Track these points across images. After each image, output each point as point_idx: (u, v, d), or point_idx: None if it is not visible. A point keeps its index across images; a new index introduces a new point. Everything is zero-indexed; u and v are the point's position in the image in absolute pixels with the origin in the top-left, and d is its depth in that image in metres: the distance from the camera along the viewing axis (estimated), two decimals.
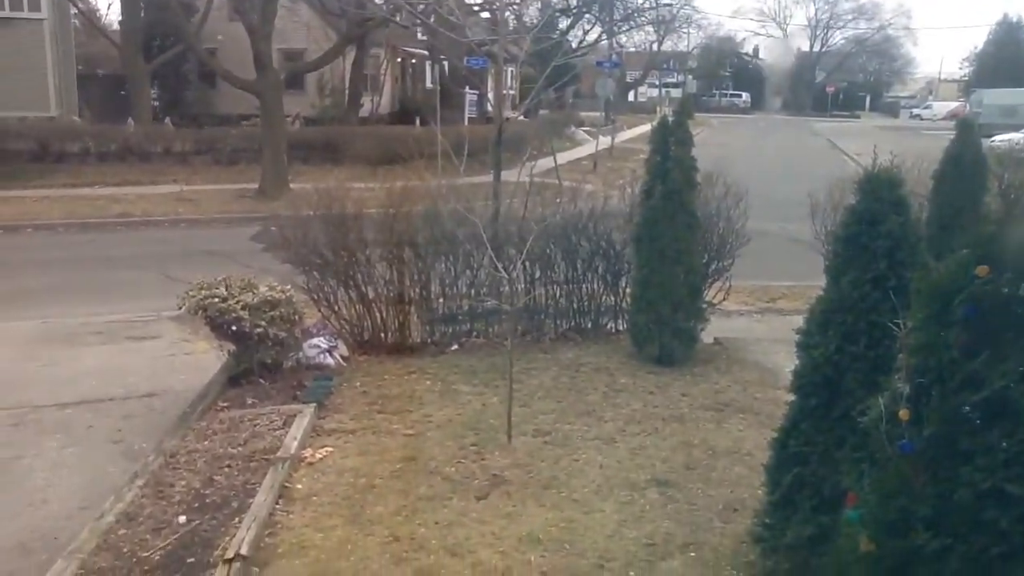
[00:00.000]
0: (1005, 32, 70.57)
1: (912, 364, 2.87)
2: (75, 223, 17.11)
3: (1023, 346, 2.71)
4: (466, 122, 29.26)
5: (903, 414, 2.87)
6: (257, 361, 7.49)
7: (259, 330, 7.27)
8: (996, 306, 2.73)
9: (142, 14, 29.50)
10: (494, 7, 24.95)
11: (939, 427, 2.82)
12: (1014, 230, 2.68)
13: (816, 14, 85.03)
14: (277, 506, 5.41)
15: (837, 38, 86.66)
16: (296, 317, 7.75)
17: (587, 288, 9.18)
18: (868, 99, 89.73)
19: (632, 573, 4.74)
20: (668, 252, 7.95)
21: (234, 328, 7.27)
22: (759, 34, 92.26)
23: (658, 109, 46.39)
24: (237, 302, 7.25)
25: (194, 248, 14.63)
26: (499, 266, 7.34)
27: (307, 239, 8.52)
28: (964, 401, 2.76)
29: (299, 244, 8.55)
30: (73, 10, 30.50)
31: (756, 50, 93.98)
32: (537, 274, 8.94)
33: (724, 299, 9.37)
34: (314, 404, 6.95)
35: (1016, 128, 36.33)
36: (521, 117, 27.81)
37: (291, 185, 19.23)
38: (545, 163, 20.09)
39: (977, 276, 2.73)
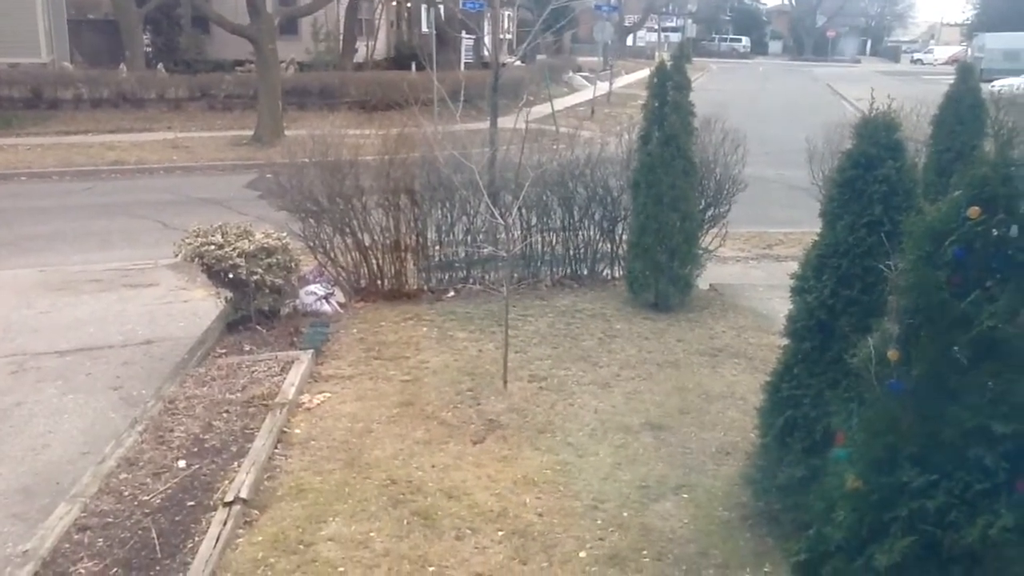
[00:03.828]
0: None
1: (903, 305, 2.89)
2: (69, 171, 17.00)
3: (1013, 287, 2.73)
4: (462, 67, 28.93)
5: (892, 354, 2.91)
6: (254, 308, 7.51)
7: (256, 277, 7.28)
8: (987, 247, 2.75)
9: None
10: None
11: (928, 367, 2.85)
12: (1006, 172, 2.68)
13: None
14: (276, 451, 5.48)
15: None
16: (292, 264, 7.76)
17: (583, 235, 9.18)
18: (869, 43, 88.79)
19: (626, 514, 4.83)
20: (665, 198, 7.94)
21: (231, 275, 7.27)
22: None
23: (657, 54, 45.83)
24: (234, 249, 7.24)
25: (189, 196, 14.58)
26: (495, 213, 7.32)
27: (303, 186, 8.49)
28: (953, 341, 2.79)
29: (295, 191, 8.51)
30: None
31: None
32: (533, 221, 8.93)
33: (720, 245, 9.37)
34: (311, 351, 6.99)
35: (1018, 73, 35.99)
36: (518, 62, 27.49)
37: (287, 131, 19.04)
38: (542, 109, 19.91)
39: (969, 217, 2.75)
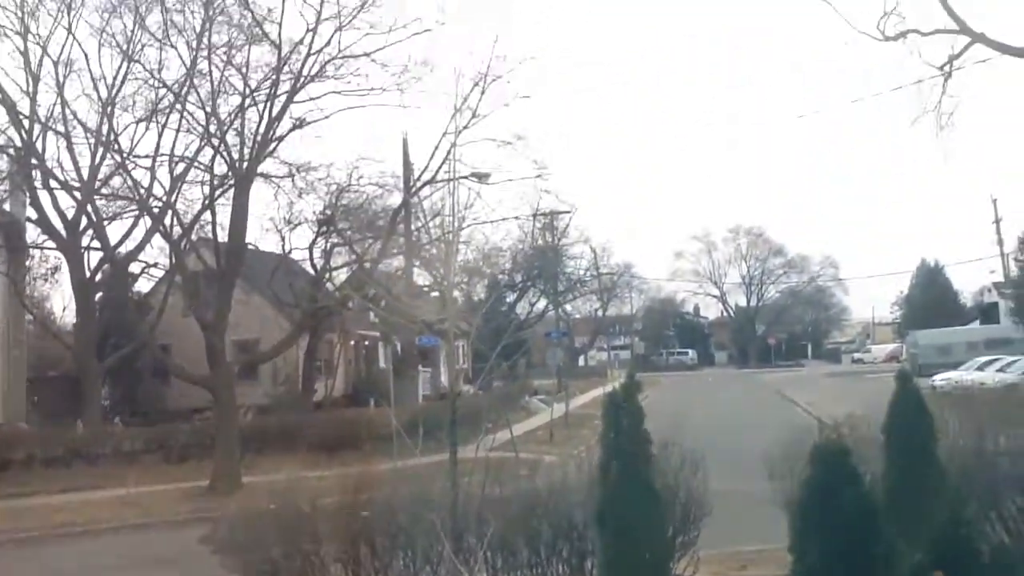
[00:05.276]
0: (926, 276, 74.48)
1: None
2: (15, 538, 16.30)
3: None
4: (420, 399, 29.48)
5: None
6: None
7: None
8: None
9: (97, 315, 30.01)
10: (442, 288, 26.04)
11: None
12: (958, 532, 2.68)
13: (749, 271, 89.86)
14: None
15: (772, 292, 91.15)
16: None
17: (552, 572, 8.81)
18: (810, 347, 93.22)
19: None
20: (630, 532, 7.75)
21: None
22: (698, 293, 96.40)
23: (608, 372, 47.48)
24: None
25: (141, 555, 14.01)
26: (457, 564, 7.06)
27: (257, 542, 8.18)
28: None
29: (248, 549, 8.18)
30: (28, 315, 30.94)
31: (697, 308, 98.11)
32: (499, 563, 8.59)
33: (695, 573, 9.03)
34: None
35: (953, 366, 37.64)
36: (476, 391, 28.11)
37: (244, 478, 18.79)
38: (502, 435, 20.05)
39: None
